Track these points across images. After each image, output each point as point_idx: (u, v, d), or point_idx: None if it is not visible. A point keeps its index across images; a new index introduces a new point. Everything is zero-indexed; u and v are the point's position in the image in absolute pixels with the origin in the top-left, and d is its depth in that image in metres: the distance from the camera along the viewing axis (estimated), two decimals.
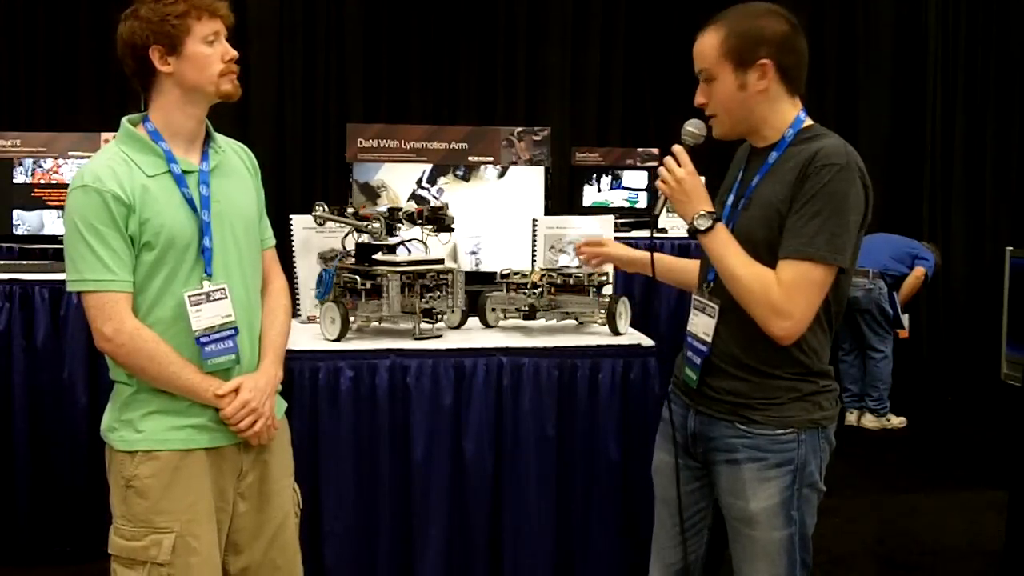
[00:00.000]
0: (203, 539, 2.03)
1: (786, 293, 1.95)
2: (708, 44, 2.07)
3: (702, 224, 2.03)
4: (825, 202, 1.94)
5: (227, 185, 2.12)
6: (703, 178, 2.10)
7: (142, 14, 2.00)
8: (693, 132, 2.13)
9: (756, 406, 2.05)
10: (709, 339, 2.09)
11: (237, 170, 2.19)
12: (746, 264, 2.00)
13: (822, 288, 1.98)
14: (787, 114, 2.08)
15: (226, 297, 2.06)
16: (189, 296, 2.02)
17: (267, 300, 2.23)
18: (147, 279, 2.01)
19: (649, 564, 2.32)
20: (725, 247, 2.02)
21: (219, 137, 2.17)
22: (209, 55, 2.02)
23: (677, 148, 2.10)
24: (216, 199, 2.07)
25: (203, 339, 2.03)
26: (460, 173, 3.59)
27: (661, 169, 2.10)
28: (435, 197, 3.55)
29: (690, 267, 2.43)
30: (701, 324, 2.12)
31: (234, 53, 2.07)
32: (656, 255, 2.40)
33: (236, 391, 2.05)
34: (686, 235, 2.22)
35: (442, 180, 3.57)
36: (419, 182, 3.58)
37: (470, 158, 3.53)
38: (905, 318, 6.06)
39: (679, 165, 2.08)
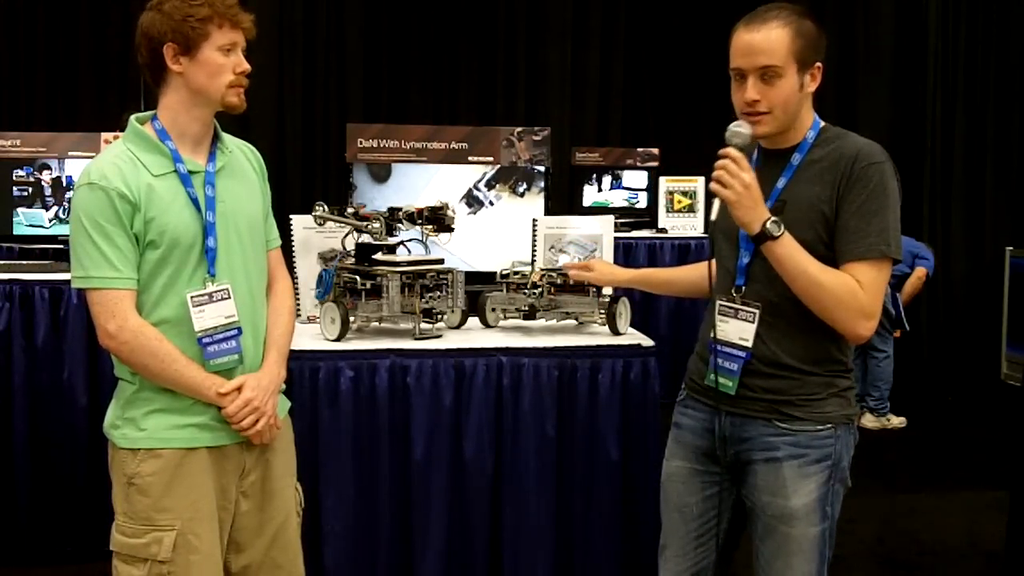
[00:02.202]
0: (204, 537, 2.03)
1: (870, 294, 1.99)
2: (778, 39, 2.01)
3: (776, 231, 1.97)
4: (882, 200, 1.99)
5: (233, 186, 2.12)
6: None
7: (165, 9, 2.00)
8: (744, 134, 2.03)
9: (796, 403, 2.06)
10: (749, 343, 2.07)
11: (244, 171, 2.19)
12: (825, 270, 1.99)
13: (888, 281, 2.05)
14: (808, 116, 2.10)
15: (229, 297, 2.06)
16: (192, 297, 2.02)
17: (272, 300, 2.23)
18: (151, 278, 2.01)
19: (659, 572, 2.30)
20: (799, 252, 1.99)
21: (227, 137, 2.17)
22: (222, 64, 2.02)
23: (734, 152, 2.00)
24: (221, 199, 2.08)
25: (205, 340, 2.03)
26: (521, 190, 3.54)
27: (719, 173, 2.00)
28: (490, 203, 3.51)
29: (689, 275, 2.42)
30: (735, 330, 2.09)
31: (247, 67, 2.06)
32: (649, 271, 2.40)
33: (239, 390, 2.05)
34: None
35: (499, 187, 3.51)
36: (476, 184, 3.51)
37: (470, 158, 3.52)
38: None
39: (741, 169, 2.00)
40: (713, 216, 2.05)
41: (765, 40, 2.01)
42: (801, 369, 2.06)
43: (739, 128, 2.04)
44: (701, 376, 2.19)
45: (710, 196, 2.05)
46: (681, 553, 2.23)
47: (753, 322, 2.07)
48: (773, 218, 1.98)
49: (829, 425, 2.07)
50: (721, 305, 2.13)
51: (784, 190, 2.06)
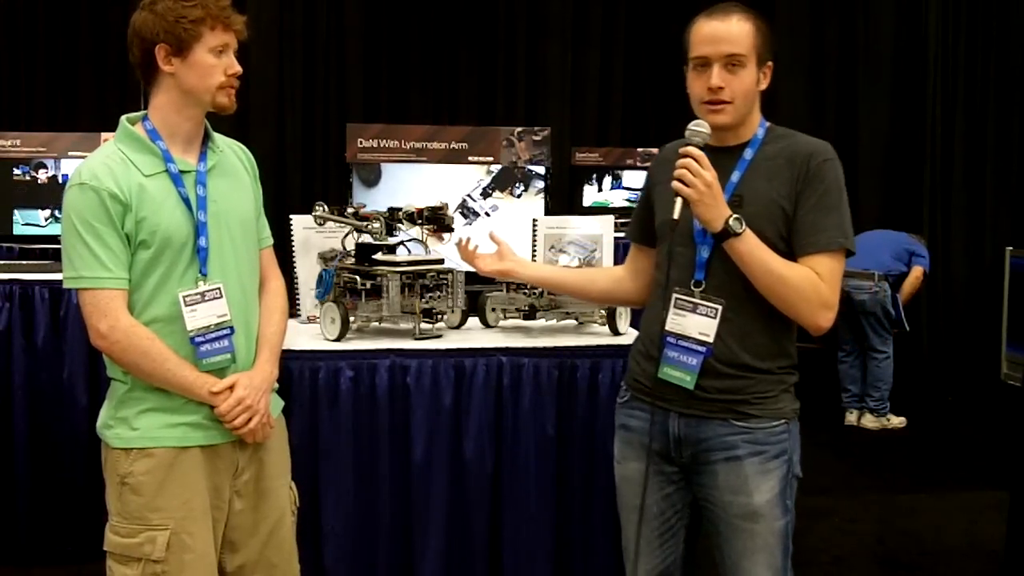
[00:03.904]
0: (198, 536, 2.03)
1: (830, 286, 2.05)
2: (745, 30, 2.06)
3: (738, 227, 2.00)
4: (837, 195, 2.07)
5: (224, 185, 2.12)
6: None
7: (158, 9, 2.00)
8: (701, 132, 2.06)
9: (752, 401, 2.08)
10: (709, 339, 2.07)
11: (235, 170, 2.19)
12: (786, 264, 2.03)
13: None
14: (758, 114, 2.16)
15: (221, 297, 2.06)
16: (184, 296, 2.02)
17: (264, 299, 2.23)
18: (143, 277, 2.01)
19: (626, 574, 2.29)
20: (760, 248, 2.02)
21: (218, 137, 2.17)
22: (213, 66, 2.02)
23: (696, 151, 2.02)
24: (213, 199, 2.08)
25: (198, 339, 2.03)
26: (518, 192, 3.49)
27: (681, 172, 2.02)
28: (487, 214, 3.47)
29: (598, 283, 2.43)
30: (693, 324, 2.09)
31: (238, 69, 2.07)
32: (561, 273, 2.48)
33: (231, 388, 2.05)
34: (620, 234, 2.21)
35: (496, 195, 3.46)
36: (470, 195, 3.48)
37: (470, 158, 3.52)
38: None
39: (703, 167, 2.01)
40: (676, 215, 2.04)
41: (732, 29, 2.05)
42: (757, 367, 2.09)
43: (699, 128, 2.06)
44: (648, 376, 2.14)
45: (673, 195, 2.05)
46: (647, 552, 2.23)
47: (715, 318, 2.07)
48: (735, 215, 2.01)
49: (783, 420, 2.11)
50: (678, 298, 2.11)
51: (739, 185, 2.09)
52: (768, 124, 2.16)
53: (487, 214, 3.47)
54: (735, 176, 2.09)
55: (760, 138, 2.12)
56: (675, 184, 2.03)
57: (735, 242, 2.01)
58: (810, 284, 2.02)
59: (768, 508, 2.08)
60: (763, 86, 2.11)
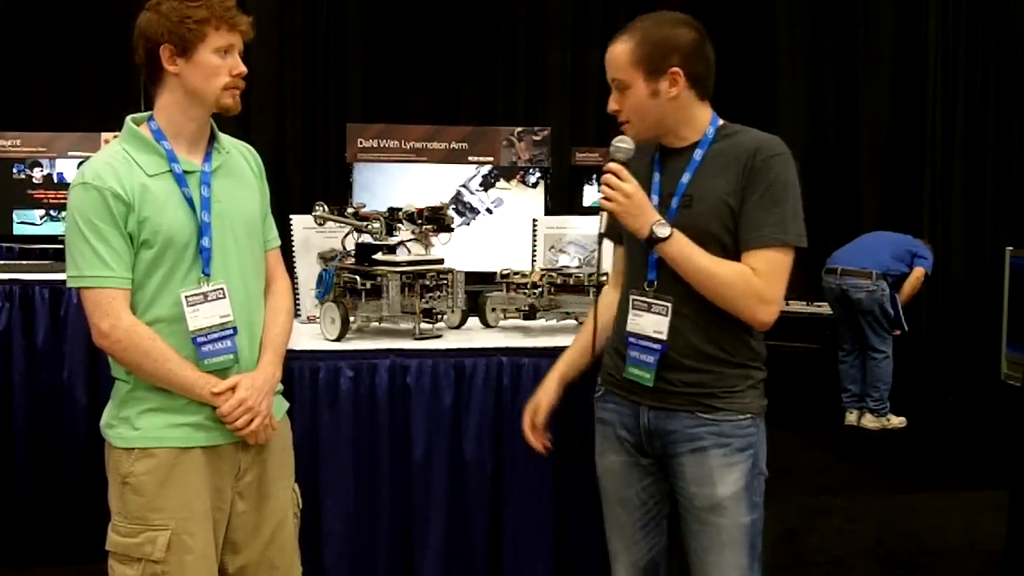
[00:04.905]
0: (198, 537, 2.03)
1: (766, 280, 2.05)
2: (619, 53, 2.12)
3: (663, 232, 2.06)
4: (782, 190, 2.06)
5: (229, 186, 2.12)
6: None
7: (163, 10, 2.00)
8: (624, 147, 2.13)
9: (718, 394, 2.12)
10: (663, 336, 2.12)
11: (241, 171, 2.19)
12: (717, 262, 2.07)
13: (790, 271, 2.09)
14: (702, 115, 2.16)
15: (224, 297, 2.06)
16: (186, 296, 2.02)
17: (269, 300, 2.23)
18: (145, 277, 2.01)
19: (612, 567, 2.33)
20: (690, 249, 2.07)
21: (224, 138, 2.17)
22: (218, 66, 2.02)
23: (614, 166, 2.10)
24: (217, 199, 2.08)
25: (200, 339, 2.03)
26: (532, 180, 3.36)
27: (603, 187, 2.10)
28: (487, 211, 3.37)
29: (580, 350, 2.42)
30: (649, 323, 2.14)
31: (243, 69, 2.07)
32: (563, 368, 2.43)
33: (232, 389, 2.05)
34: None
35: (501, 184, 3.34)
36: (467, 185, 3.35)
37: (470, 158, 3.52)
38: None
39: (622, 180, 2.09)
40: (602, 228, 2.16)
41: (610, 53, 2.13)
42: (719, 358, 2.11)
43: (620, 143, 2.13)
44: (619, 371, 2.22)
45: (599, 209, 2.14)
46: (632, 543, 2.27)
47: (666, 315, 2.12)
48: (659, 220, 2.06)
49: (749, 415, 2.13)
50: (634, 299, 2.18)
51: (689, 185, 2.12)
52: (721, 122, 2.17)
53: (488, 211, 3.40)
54: (685, 177, 2.13)
55: (710, 137, 2.14)
56: (599, 199, 2.12)
57: (663, 246, 2.07)
58: (742, 279, 2.04)
59: (733, 501, 2.11)
60: (672, 94, 2.10)
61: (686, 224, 2.09)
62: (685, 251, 2.07)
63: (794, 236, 2.06)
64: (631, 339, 2.17)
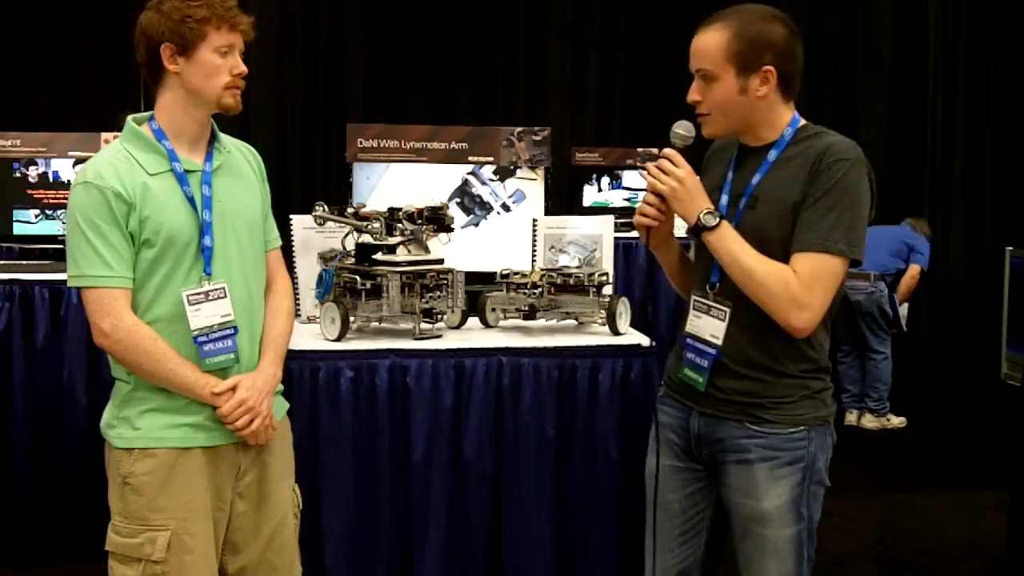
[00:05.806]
0: (198, 537, 2.03)
1: (805, 285, 1.97)
2: (712, 44, 2.04)
3: (710, 221, 2.02)
4: (840, 196, 1.98)
5: (231, 185, 2.13)
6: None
7: (164, 9, 2.00)
8: (683, 134, 2.11)
9: (768, 405, 2.06)
10: (719, 341, 2.08)
11: (242, 171, 2.19)
12: (760, 260, 2.00)
13: (837, 280, 2.01)
14: (784, 115, 2.10)
15: (225, 296, 2.06)
16: (187, 295, 2.02)
17: (270, 300, 2.23)
18: (146, 276, 2.01)
19: (645, 569, 2.30)
20: (735, 244, 2.02)
21: (225, 138, 2.17)
22: (219, 65, 2.03)
23: (670, 151, 2.08)
24: (218, 199, 2.08)
25: (200, 338, 2.03)
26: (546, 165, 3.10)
27: (654, 170, 2.07)
28: (504, 208, 3.19)
29: (681, 271, 2.35)
30: (707, 326, 2.10)
31: (243, 69, 2.07)
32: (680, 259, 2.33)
33: (233, 390, 2.05)
34: (685, 236, 2.18)
35: (521, 174, 3.17)
36: (476, 173, 3.10)
37: (470, 158, 3.51)
38: (904, 307, 6.07)
39: (676, 166, 2.06)
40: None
41: (701, 43, 2.07)
42: (772, 369, 2.06)
43: (680, 129, 2.11)
44: (676, 373, 2.20)
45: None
46: (666, 550, 2.24)
47: (724, 320, 2.07)
48: (709, 209, 2.03)
49: (802, 427, 2.07)
50: (696, 300, 2.15)
51: (758, 185, 2.08)
52: (802, 123, 2.11)
53: (505, 207, 3.23)
54: (755, 178, 2.08)
55: (787, 139, 2.08)
56: (649, 180, 2.09)
57: (707, 235, 2.03)
58: (779, 281, 1.98)
59: (777, 514, 2.06)
60: (759, 93, 2.04)
61: (749, 225, 2.04)
62: (729, 245, 2.02)
63: (841, 245, 1.97)
64: (688, 340, 2.13)
